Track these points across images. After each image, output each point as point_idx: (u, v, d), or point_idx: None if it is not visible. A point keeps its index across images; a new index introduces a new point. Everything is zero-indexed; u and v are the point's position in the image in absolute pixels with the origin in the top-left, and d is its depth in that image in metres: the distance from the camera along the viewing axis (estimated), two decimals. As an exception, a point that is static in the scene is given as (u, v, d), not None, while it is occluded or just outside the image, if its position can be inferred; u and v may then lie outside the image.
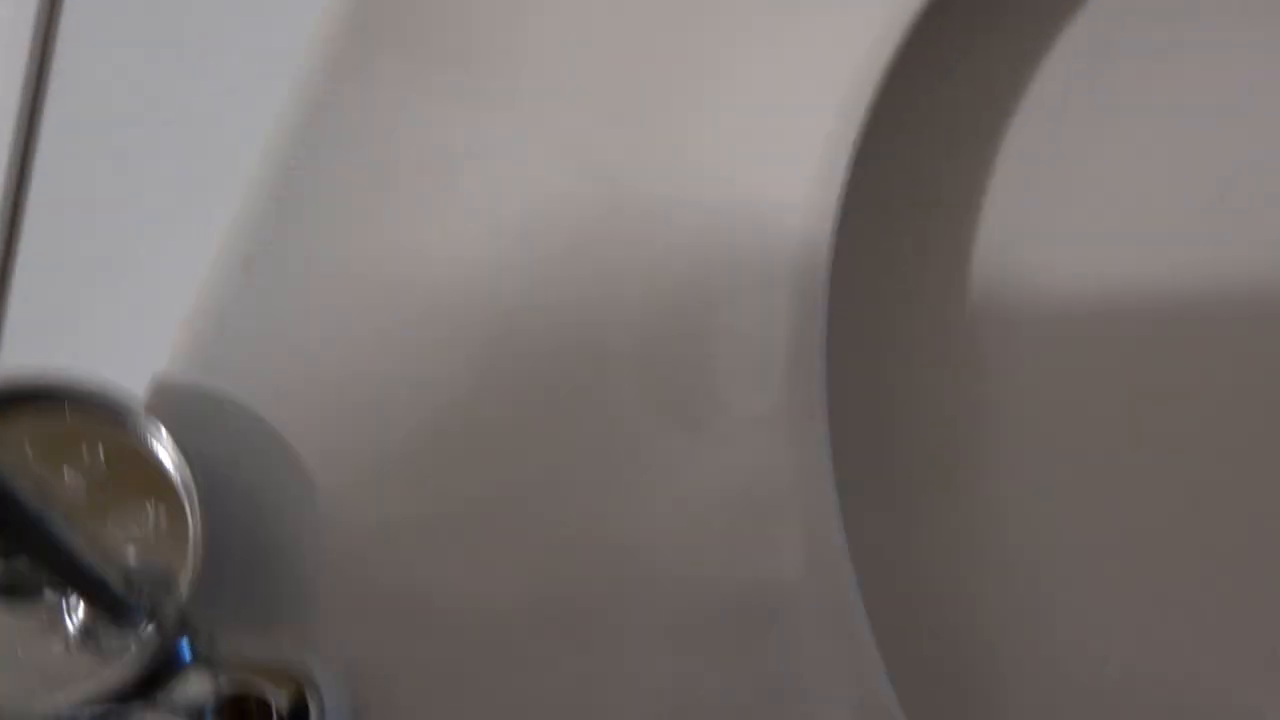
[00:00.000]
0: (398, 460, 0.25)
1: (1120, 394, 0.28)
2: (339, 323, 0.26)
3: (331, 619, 0.24)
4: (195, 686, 0.22)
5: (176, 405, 0.25)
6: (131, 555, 0.23)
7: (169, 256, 0.27)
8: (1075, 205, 0.29)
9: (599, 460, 0.24)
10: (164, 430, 0.24)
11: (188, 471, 0.23)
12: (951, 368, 0.28)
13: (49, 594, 0.22)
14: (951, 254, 0.28)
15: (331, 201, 0.26)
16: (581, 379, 0.25)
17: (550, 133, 0.26)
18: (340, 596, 0.24)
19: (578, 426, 0.25)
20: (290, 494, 0.25)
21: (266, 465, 0.25)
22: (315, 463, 0.25)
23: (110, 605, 0.22)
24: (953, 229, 0.28)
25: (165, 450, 0.24)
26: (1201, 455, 0.28)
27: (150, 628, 0.22)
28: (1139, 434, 0.28)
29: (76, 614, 0.22)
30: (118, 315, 0.27)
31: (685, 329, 0.25)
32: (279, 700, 0.22)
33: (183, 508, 0.23)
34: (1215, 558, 0.27)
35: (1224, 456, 0.28)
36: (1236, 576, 0.27)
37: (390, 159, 0.26)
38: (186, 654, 0.23)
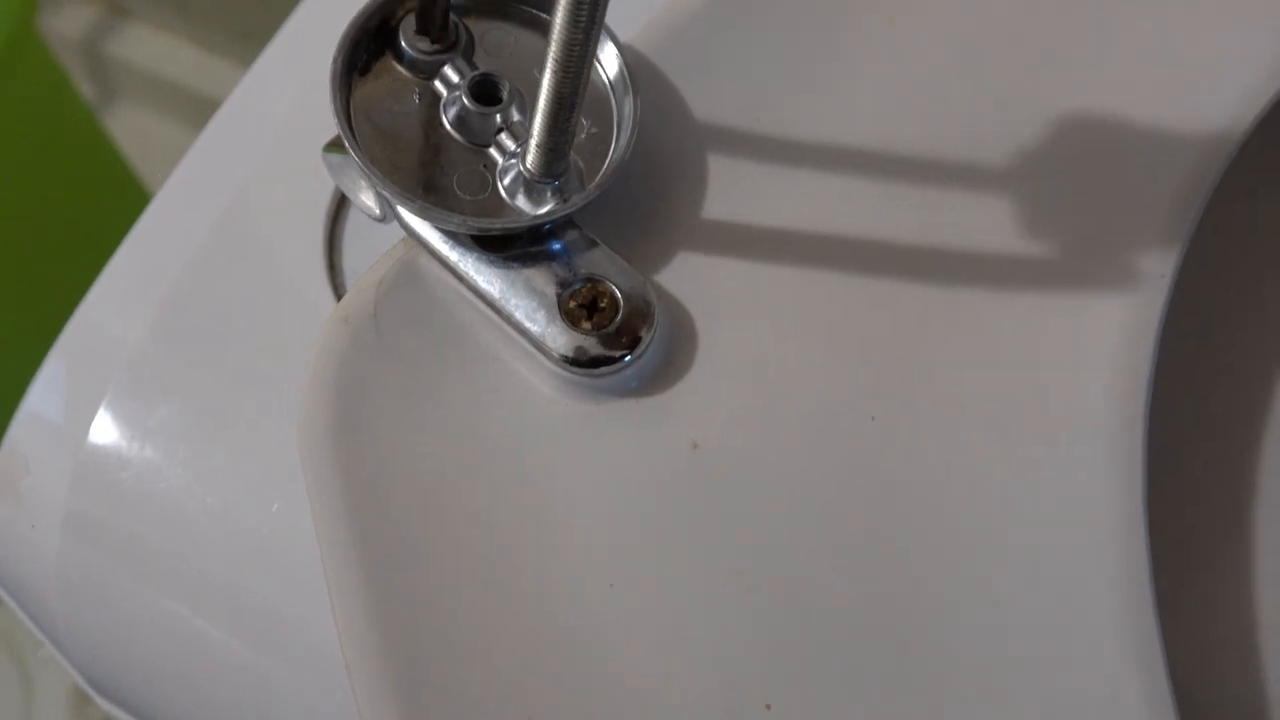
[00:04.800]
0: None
1: None
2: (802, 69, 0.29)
3: (679, 274, 0.27)
4: (556, 265, 0.26)
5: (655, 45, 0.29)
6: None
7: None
8: None
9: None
10: (622, 60, 0.27)
11: (632, 101, 0.27)
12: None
13: (498, 139, 0.26)
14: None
15: None
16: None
17: None
18: (692, 262, 0.27)
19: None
20: (692, 174, 0.28)
21: (682, 145, 0.28)
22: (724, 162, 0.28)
23: (555, 155, 0.25)
24: None
25: (617, 78, 0.27)
26: None
27: (554, 204, 0.26)
28: None
29: (505, 173, 0.26)
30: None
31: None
32: (624, 305, 0.26)
33: (610, 131, 0.27)
34: None
35: None
36: None
37: None
38: (556, 246, 0.27)
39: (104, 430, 0.31)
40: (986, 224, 0.28)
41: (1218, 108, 0.28)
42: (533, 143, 0.25)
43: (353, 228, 0.32)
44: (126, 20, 1.08)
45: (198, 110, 1.04)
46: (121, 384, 0.31)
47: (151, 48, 1.07)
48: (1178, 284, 0.26)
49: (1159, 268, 0.27)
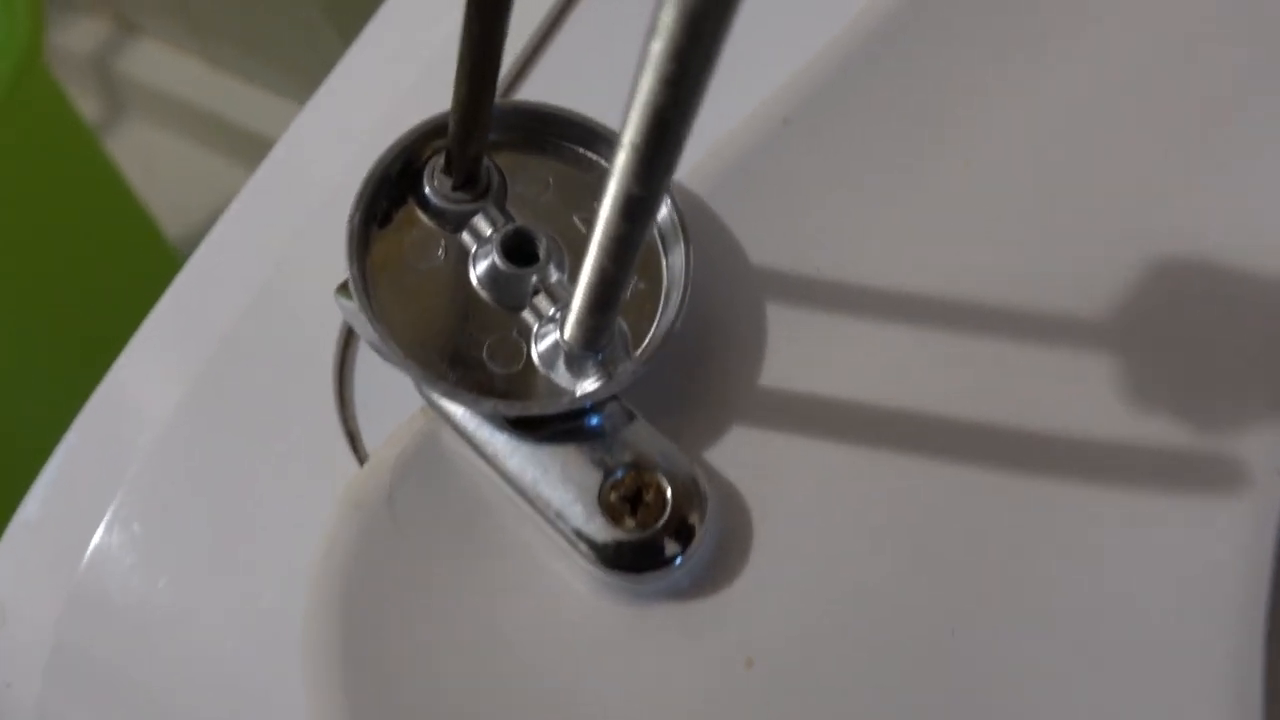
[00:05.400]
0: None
1: None
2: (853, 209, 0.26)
3: (731, 454, 0.24)
4: (594, 449, 0.23)
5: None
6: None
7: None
8: None
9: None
10: (681, 216, 0.24)
11: (685, 258, 0.24)
12: None
13: (534, 301, 0.23)
14: None
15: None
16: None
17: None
18: (746, 440, 0.25)
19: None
20: (746, 333, 0.25)
21: (736, 298, 0.25)
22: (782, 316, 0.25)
23: (597, 333, 0.22)
24: None
25: (675, 234, 0.24)
26: None
27: (596, 379, 0.23)
28: None
29: (540, 340, 0.23)
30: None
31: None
32: (672, 497, 0.23)
33: (659, 287, 0.24)
34: None
35: None
36: None
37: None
38: (594, 422, 0.24)
39: (94, 576, 0.28)
40: (1084, 399, 0.24)
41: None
42: (573, 317, 0.22)
43: (365, 355, 0.29)
44: (135, 36, 1.05)
45: (205, 126, 1.01)
46: (117, 517, 0.29)
47: (160, 63, 1.04)
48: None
49: None
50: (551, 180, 0.25)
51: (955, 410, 0.25)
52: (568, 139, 0.25)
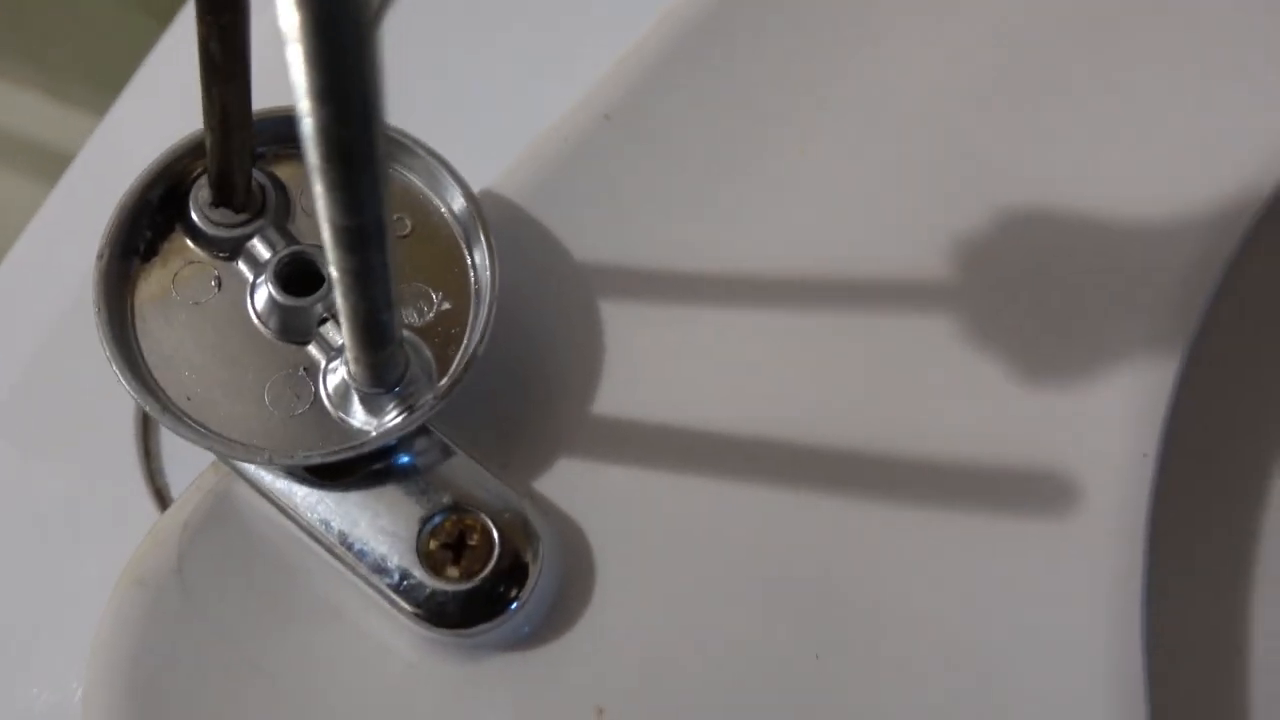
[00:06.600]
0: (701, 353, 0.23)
1: None
2: (680, 198, 0.24)
3: (565, 483, 0.22)
4: (408, 492, 0.21)
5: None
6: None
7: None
8: None
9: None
10: (485, 226, 0.22)
11: (490, 272, 0.21)
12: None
13: (320, 331, 0.21)
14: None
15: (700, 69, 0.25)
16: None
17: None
18: (580, 467, 0.22)
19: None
20: (576, 344, 0.23)
21: (563, 307, 0.23)
22: (615, 323, 0.23)
23: (381, 370, 0.19)
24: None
25: (480, 246, 0.22)
26: None
27: (395, 415, 0.20)
28: None
29: (330, 375, 0.21)
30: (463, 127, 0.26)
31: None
32: (500, 539, 0.20)
33: (467, 304, 0.22)
34: None
35: None
36: None
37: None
38: (405, 460, 0.21)
39: None
40: (936, 365, 0.23)
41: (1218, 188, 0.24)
42: (349, 355, 0.19)
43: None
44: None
45: (54, 164, 0.94)
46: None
47: (5, 100, 0.97)
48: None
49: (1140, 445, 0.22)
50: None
51: (799, 408, 0.23)
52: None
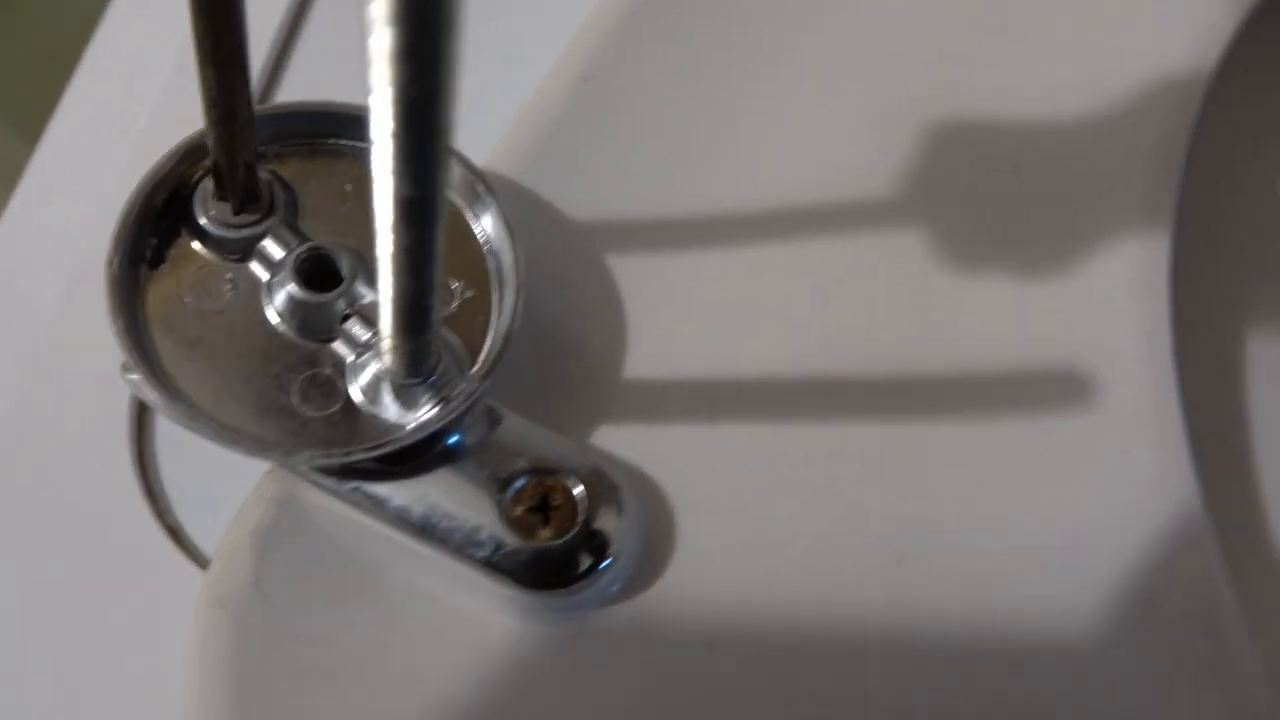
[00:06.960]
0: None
1: None
2: (670, 148, 0.24)
3: (618, 436, 0.22)
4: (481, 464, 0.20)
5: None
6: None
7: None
8: None
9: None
10: (496, 205, 0.22)
11: (510, 255, 0.21)
12: None
13: (344, 328, 0.20)
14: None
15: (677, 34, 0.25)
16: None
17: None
18: (627, 419, 0.22)
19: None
20: (590, 304, 0.23)
21: (570, 273, 0.23)
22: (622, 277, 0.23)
23: (419, 357, 0.19)
24: None
25: (492, 226, 0.22)
26: None
27: (430, 407, 0.20)
28: None
29: (360, 371, 0.20)
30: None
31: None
32: (582, 494, 0.20)
33: (489, 290, 0.21)
34: None
35: None
36: None
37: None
38: (459, 438, 0.21)
39: None
40: (947, 279, 0.24)
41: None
42: (387, 344, 0.18)
43: (167, 436, 0.25)
44: None
45: None
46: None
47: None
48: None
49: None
50: (350, 187, 0.22)
51: (816, 336, 0.23)
52: (356, 137, 0.22)
